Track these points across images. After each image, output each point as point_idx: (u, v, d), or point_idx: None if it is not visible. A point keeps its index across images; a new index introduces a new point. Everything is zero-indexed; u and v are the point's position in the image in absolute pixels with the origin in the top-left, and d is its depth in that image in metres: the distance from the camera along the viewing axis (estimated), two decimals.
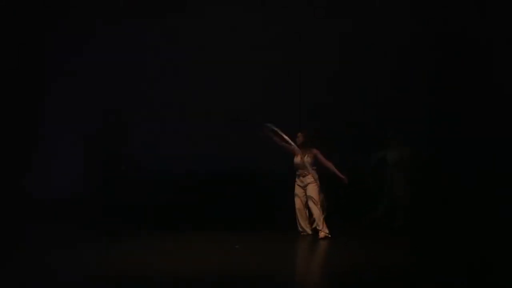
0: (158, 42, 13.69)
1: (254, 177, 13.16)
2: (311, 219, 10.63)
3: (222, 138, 13.27)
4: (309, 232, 10.60)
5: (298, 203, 10.69)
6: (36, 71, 13.38)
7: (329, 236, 10.28)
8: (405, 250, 9.81)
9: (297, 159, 10.64)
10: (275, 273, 7.88)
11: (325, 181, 10.67)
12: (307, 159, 10.57)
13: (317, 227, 10.45)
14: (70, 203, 13.04)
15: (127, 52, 13.59)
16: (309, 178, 10.59)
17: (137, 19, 13.49)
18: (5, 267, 8.10)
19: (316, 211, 10.46)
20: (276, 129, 10.51)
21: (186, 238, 10.64)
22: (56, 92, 13.55)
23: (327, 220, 10.46)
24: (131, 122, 13.61)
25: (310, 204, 10.54)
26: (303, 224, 10.68)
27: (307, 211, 10.67)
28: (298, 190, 10.71)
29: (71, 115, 13.40)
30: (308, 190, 10.58)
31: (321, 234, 10.32)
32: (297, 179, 10.73)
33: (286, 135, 10.55)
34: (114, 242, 10.02)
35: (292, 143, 10.53)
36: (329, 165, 10.49)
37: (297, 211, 10.71)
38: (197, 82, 13.68)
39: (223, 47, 13.46)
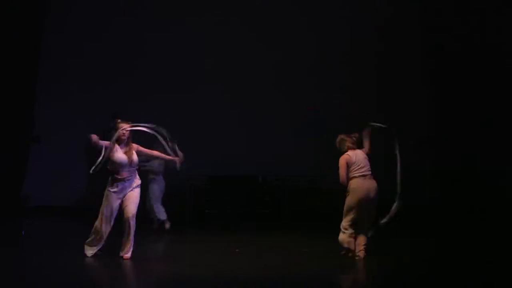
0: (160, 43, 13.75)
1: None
2: None
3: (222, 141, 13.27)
4: None
5: None
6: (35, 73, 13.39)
7: None
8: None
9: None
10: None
11: None
12: None
13: None
14: (70, 208, 13.07)
15: (129, 54, 13.61)
16: None
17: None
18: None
19: None
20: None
21: (187, 239, 10.67)
22: (56, 94, 13.56)
23: None
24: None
25: None
26: None
27: None
28: None
29: (70, 117, 13.38)
30: None
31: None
32: None
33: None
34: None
35: None
36: None
37: None
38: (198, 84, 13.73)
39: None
